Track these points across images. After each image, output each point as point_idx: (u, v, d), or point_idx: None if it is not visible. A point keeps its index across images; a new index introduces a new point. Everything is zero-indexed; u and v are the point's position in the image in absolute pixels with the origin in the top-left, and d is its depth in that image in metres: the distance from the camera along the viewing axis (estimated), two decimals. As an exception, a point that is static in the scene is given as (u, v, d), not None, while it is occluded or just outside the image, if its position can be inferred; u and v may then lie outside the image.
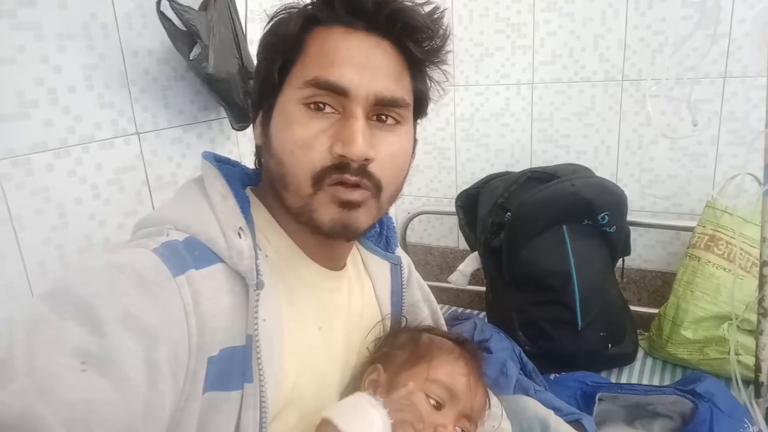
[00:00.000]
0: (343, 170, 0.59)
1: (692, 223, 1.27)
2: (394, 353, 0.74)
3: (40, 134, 0.79)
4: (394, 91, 0.61)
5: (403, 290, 0.84)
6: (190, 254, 0.56)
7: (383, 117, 0.62)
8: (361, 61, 0.60)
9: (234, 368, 0.56)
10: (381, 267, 0.82)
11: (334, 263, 0.72)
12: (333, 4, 0.60)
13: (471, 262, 1.33)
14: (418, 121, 0.70)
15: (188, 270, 0.55)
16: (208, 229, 0.58)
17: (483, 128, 1.58)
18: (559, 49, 1.43)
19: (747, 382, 1.08)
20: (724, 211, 1.20)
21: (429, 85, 0.68)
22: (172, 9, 0.85)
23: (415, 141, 0.69)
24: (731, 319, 1.12)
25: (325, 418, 0.61)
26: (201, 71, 0.91)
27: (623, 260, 1.30)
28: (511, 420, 0.87)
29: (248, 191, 0.69)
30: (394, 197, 0.67)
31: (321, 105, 0.59)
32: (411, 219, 1.70)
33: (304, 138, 0.59)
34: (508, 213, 1.18)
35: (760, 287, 0.99)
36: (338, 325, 0.72)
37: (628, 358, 1.24)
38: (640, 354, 1.30)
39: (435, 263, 1.76)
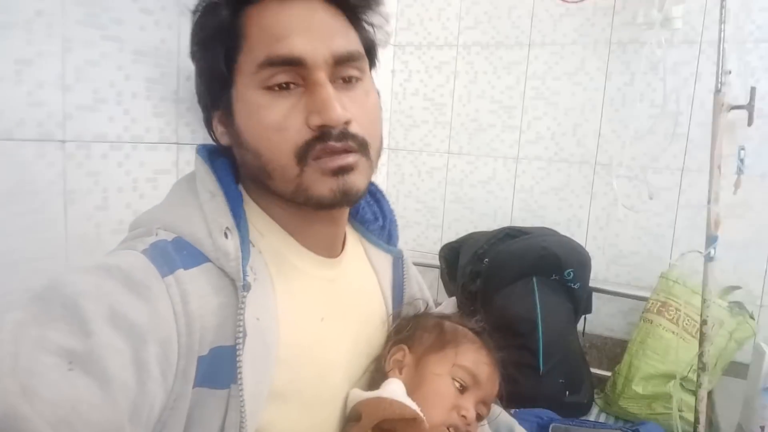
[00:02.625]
0: (325, 139, 0.58)
1: (649, 295, 1.42)
2: (419, 335, 0.78)
3: (104, 127, 0.94)
4: (348, 45, 0.61)
5: (404, 284, 0.84)
6: (178, 254, 0.56)
7: (346, 77, 0.61)
8: (305, 27, 0.58)
9: (223, 367, 0.56)
10: (383, 260, 0.82)
11: (331, 250, 0.71)
12: None
13: (447, 306, 1.46)
14: (372, 70, 0.70)
15: (177, 270, 0.54)
16: (195, 230, 0.58)
17: (470, 193, 1.76)
18: (543, 131, 1.64)
19: (687, 436, 1.19)
20: (675, 281, 1.35)
21: (372, 31, 0.67)
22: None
23: (377, 92, 0.68)
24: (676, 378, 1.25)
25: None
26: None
27: (585, 318, 1.43)
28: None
29: (242, 186, 0.68)
30: (379, 152, 0.67)
31: (283, 84, 0.58)
32: (396, 269, 1.83)
33: (276, 120, 0.58)
34: (486, 260, 1.33)
35: (700, 344, 1.13)
36: (343, 314, 0.71)
37: (583, 408, 1.35)
38: (595, 410, 1.41)
39: (414, 315, 1.87)
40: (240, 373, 0.55)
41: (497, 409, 1.01)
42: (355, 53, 0.61)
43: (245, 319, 0.56)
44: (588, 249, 1.59)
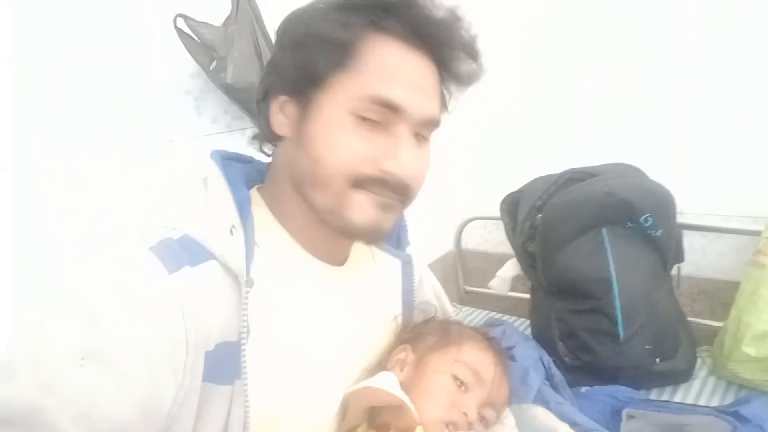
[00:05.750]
0: (384, 186, 0.61)
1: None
2: (424, 335, 0.77)
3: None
4: (437, 112, 0.64)
5: (414, 289, 0.83)
6: (185, 251, 0.57)
7: (418, 135, 0.63)
8: (418, 84, 0.61)
9: (227, 363, 0.57)
10: (392, 264, 0.81)
11: (337, 258, 0.72)
12: (402, 16, 0.60)
13: (510, 268, 1.29)
14: None
15: (183, 267, 0.56)
16: (202, 229, 0.59)
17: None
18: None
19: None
20: (796, 212, 1.05)
21: (447, 99, 0.69)
22: (188, 25, 0.93)
23: None
24: (801, 336, 0.99)
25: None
26: (220, 81, 0.97)
27: (679, 268, 1.18)
28: (518, 429, 0.84)
29: (253, 190, 0.70)
30: (412, 200, 0.69)
31: (369, 119, 0.60)
32: (465, 224, 1.68)
33: (353, 147, 0.60)
34: (539, 215, 1.13)
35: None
36: (344, 321, 0.72)
37: (681, 376, 1.13)
38: (703, 372, 1.18)
39: (492, 270, 1.70)
40: (245, 368, 0.56)
41: (540, 412, 0.88)
42: (438, 121, 0.65)
43: (249, 315, 0.57)
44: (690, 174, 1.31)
